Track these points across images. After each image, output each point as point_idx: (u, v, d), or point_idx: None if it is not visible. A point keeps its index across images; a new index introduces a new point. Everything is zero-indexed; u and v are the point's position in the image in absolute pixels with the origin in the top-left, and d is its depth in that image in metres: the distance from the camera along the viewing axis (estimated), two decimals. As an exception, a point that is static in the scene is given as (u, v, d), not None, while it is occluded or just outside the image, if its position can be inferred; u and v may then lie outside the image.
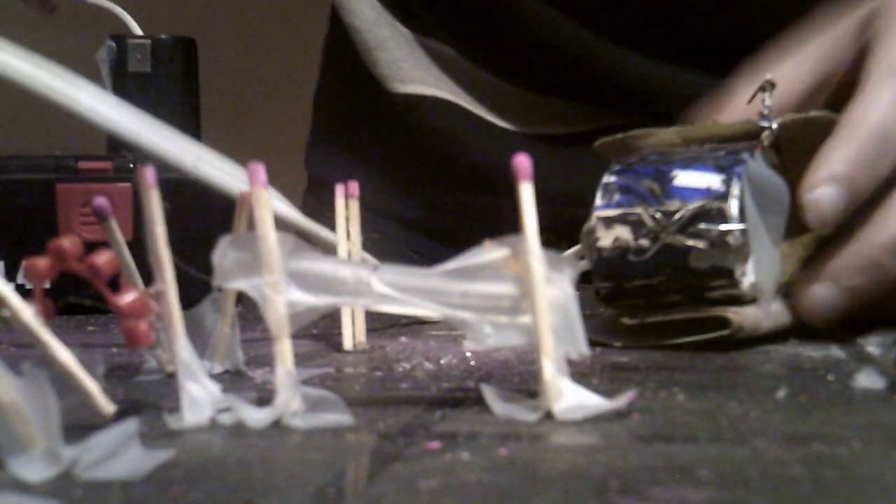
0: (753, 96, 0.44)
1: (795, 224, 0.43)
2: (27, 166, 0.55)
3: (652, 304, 0.42)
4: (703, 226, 0.40)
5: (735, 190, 0.40)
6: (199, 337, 0.35)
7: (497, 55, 0.68)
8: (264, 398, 0.30)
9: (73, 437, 0.24)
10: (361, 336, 0.43)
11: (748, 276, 0.40)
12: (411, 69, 0.69)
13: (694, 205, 0.40)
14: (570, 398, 0.29)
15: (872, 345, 0.40)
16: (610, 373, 0.36)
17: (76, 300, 0.51)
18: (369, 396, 0.33)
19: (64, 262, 0.28)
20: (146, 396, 0.33)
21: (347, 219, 0.43)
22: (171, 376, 0.32)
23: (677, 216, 0.40)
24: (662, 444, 0.26)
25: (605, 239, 0.42)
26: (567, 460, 0.25)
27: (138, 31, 0.60)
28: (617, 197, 0.42)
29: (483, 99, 0.69)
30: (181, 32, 0.62)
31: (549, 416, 0.29)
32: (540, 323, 0.29)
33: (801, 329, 0.44)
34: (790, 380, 0.34)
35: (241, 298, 0.37)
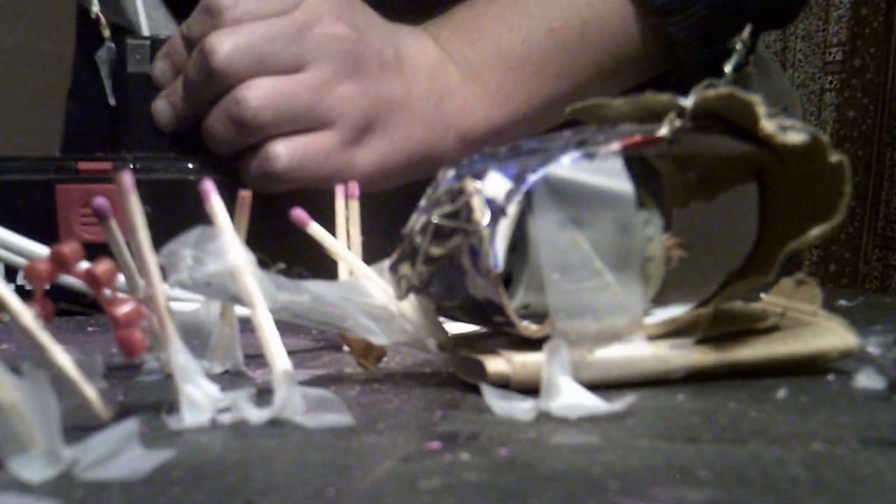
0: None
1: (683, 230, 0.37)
2: (27, 167, 0.55)
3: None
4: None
5: (510, 209, 0.32)
6: (200, 337, 0.35)
7: None
8: (264, 398, 0.30)
9: (73, 438, 0.24)
10: (361, 336, 0.43)
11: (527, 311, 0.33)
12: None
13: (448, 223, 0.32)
14: (568, 396, 0.29)
15: (872, 345, 0.40)
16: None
17: (68, 307, 0.51)
18: (369, 396, 0.33)
19: (64, 269, 0.28)
20: (146, 396, 0.33)
21: (347, 219, 0.43)
22: (172, 376, 0.32)
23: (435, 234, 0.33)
24: (662, 444, 0.26)
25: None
26: (567, 460, 0.25)
27: (146, 31, 0.60)
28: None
29: None
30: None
31: (548, 416, 0.29)
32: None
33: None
34: (790, 380, 0.34)
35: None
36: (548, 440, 0.27)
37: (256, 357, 0.38)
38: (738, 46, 0.37)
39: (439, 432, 0.27)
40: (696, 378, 0.34)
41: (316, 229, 0.35)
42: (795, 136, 0.32)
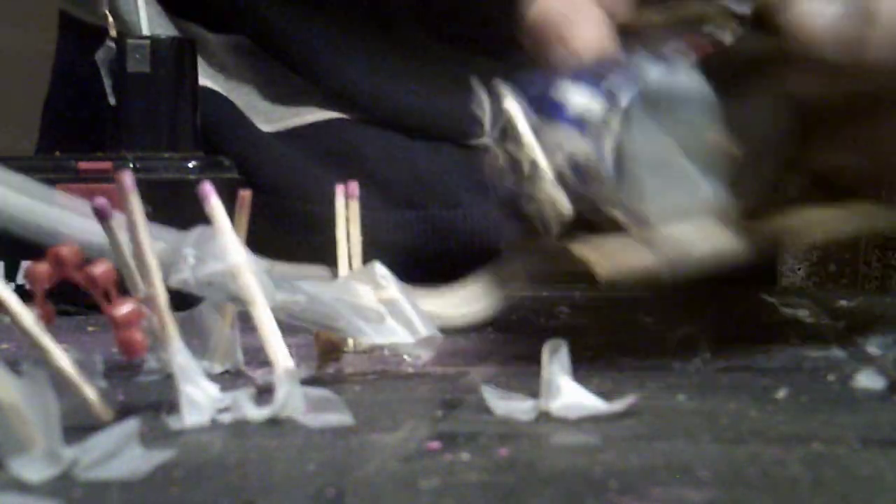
0: None
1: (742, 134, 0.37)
2: (27, 166, 0.55)
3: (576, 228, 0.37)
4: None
5: (613, 122, 0.35)
6: (199, 337, 0.35)
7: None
8: (264, 398, 0.30)
9: (73, 437, 0.24)
10: (362, 336, 0.42)
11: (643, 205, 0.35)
12: None
13: (564, 156, 0.35)
14: (568, 396, 0.29)
15: (872, 345, 0.40)
16: (610, 373, 0.36)
17: (65, 307, 0.51)
18: (369, 396, 0.33)
19: (62, 270, 0.28)
20: (146, 396, 0.33)
21: (347, 219, 0.43)
22: (172, 376, 0.32)
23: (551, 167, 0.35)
24: (662, 444, 0.26)
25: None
26: (567, 460, 0.25)
27: (145, 30, 0.60)
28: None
29: (240, 88, 0.67)
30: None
31: (548, 416, 0.29)
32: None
33: (801, 329, 0.44)
34: (790, 380, 0.34)
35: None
36: (548, 440, 0.27)
37: (256, 357, 0.38)
38: None
39: (439, 432, 0.27)
40: (695, 378, 0.34)
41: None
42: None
